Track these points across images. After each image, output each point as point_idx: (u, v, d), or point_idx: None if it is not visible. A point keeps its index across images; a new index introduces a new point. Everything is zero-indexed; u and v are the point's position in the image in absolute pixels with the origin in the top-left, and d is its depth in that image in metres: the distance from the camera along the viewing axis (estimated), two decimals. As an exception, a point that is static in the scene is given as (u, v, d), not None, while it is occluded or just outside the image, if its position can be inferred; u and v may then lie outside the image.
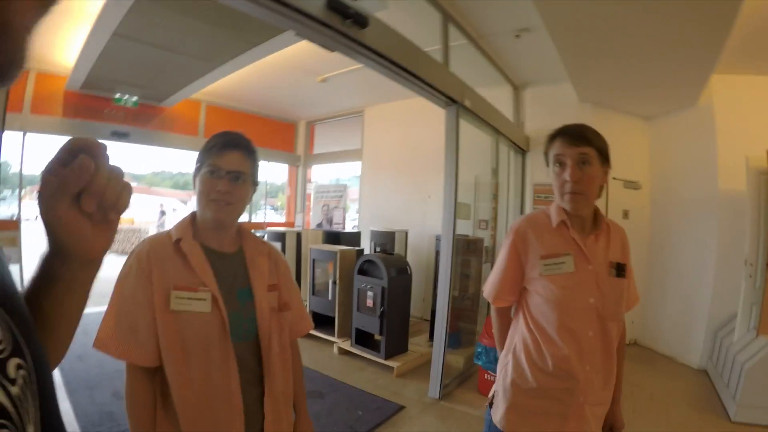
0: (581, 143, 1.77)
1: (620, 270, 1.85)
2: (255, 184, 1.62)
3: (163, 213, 20.64)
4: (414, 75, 4.08)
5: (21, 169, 7.19)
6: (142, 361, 1.39)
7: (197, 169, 1.55)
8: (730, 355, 5.07)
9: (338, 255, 6.20)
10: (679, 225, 6.86)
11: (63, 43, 6.09)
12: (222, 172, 1.49)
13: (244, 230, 1.69)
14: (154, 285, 1.42)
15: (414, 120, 8.37)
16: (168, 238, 1.52)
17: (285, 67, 7.20)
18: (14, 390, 0.48)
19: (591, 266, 1.81)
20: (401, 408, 4.53)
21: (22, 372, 0.50)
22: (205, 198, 1.51)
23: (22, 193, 7.46)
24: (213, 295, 1.45)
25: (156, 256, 1.46)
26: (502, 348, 2.08)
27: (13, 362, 0.49)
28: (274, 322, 1.57)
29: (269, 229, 8.60)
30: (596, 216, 1.93)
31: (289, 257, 7.56)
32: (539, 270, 1.84)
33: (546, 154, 1.91)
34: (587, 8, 4.05)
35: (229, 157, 1.51)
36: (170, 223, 19.90)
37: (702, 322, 6.25)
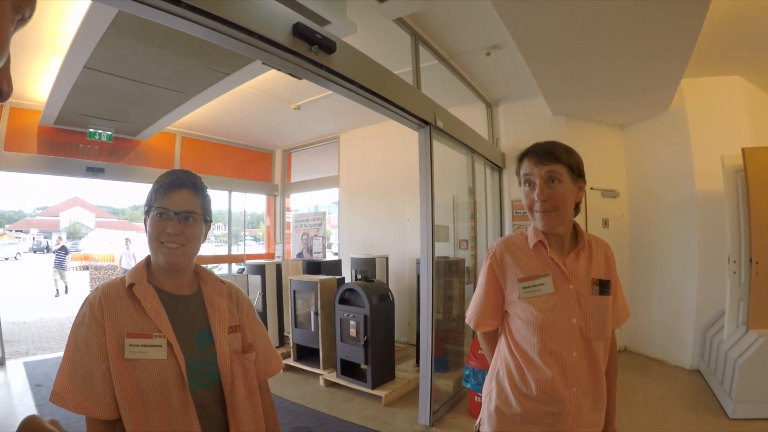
0: (549, 161, 1.73)
1: (603, 287, 1.79)
2: (207, 221, 1.57)
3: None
4: (384, 99, 4.07)
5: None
6: (99, 414, 1.30)
7: (146, 212, 1.50)
8: (722, 353, 5.09)
9: (318, 285, 6.12)
10: (659, 229, 6.96)
11: (36, 77, 6.03)
12: (171, 213, 1.46)
13: (201, 270, 1.64)
14: (107, 333, 1.34)
15: (389, 143, 8.39)
16: (121, 283, 1.45)
17: (259, 96, 7.19)
18: None
19: (572, 285, 1.76)
20: (391, 438, 4.42)
21: None
22: (155, 241, 1.46)
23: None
24: (168, 341, 1.38)
25: (108, 303, 1.39)
26: None
27: None
28: (236, 365, 1.50)
29: (248, 261, 8.48)
30: (576, 233, 1.88)
31: (270, 289, 7.45)
32: (518, 293, 1.79)
33: (517, 174, 1.87)
34: (554, 19, 4.10)
35: (177, 197, 1.48)
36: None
37: (690, 323, 6.32)
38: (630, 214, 7.46)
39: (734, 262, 5.26)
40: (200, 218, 1.53)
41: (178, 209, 1.46)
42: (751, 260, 4.92)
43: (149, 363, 1.34)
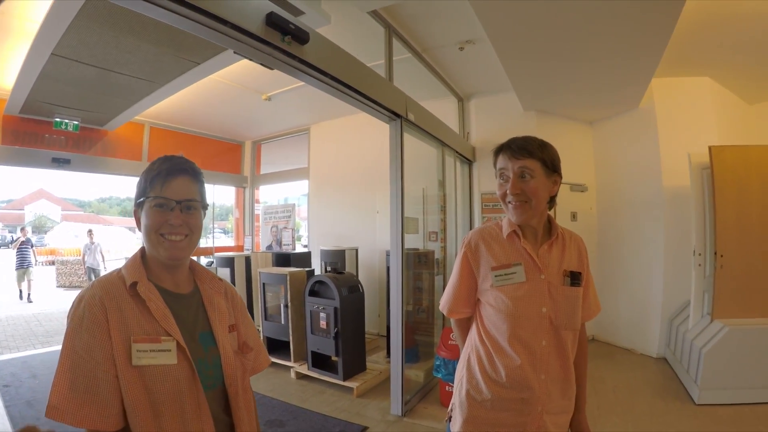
0: (522, 156, 1.77)
1: (575, 279, 1.84)
2: (205, 207, 1.48)
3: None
4: (357, 91, 4.05)
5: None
6: (104, 426, 1.19)
7: (139, 203, 1.39)
8: (687, 341, 5.29)
9: (288, 277, 6.08)
10: (627, 223, 7.15)
11: (2, 63, 5.84)
12: (172, 203, 1.36)
13: (196, 266, 1.56)
14: (114, 338, 1.23)
15: (360, 135, 8.37)
16: (119, 280, 1.33)
17: (229, 87, 7.10)
18: None
19: (543, 275, 1.80)
20: (364, 429, 4.43)
21: None
22: (155, 234, 1.35)
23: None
24: (178, 344, 1.29)
25: (112, 304, 1.27)
26: None
27: None
28: (238, 365, 1.45)
29: (217, 254, 8.39)
30: (550, 225, 1.92)
31: (239, 282, 7.38)
32: (491, 281, 1.83)
33: (495, 166, 1.91)
34: (530, 18, 4.15)
35: (177, 184, 1.38)
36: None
37: (656, 313, 6.54)
38: (598, 208, 7.64)
39: (699, 255, 5.45)
40: (200, 206, 1.44)
41: (179, 198, 1.37)
42: (715, 253, 5.10)
43: (159, 369, 1.25)
